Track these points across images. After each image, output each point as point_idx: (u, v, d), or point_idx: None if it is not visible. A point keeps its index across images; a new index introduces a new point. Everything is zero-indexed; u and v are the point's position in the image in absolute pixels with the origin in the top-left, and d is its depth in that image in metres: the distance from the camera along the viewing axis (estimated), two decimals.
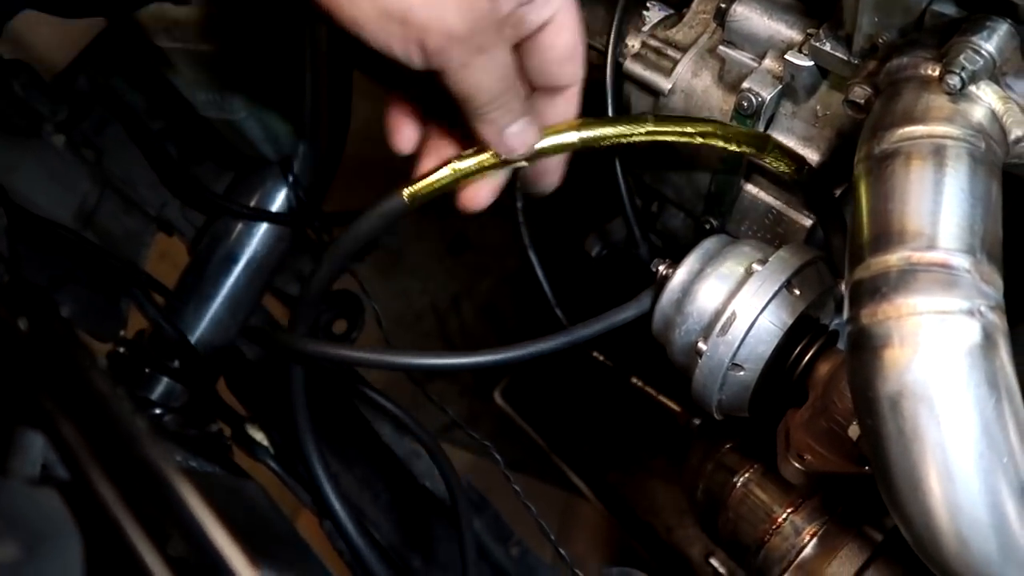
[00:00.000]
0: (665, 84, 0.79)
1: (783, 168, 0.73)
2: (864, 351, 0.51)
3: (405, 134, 0.64)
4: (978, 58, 0.53)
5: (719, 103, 0.77)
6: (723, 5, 0.75)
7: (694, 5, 0.81)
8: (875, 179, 0.54)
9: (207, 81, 0.89)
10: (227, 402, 1.04)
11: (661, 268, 0.73)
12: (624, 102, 0.83)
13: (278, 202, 1.05)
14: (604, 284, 0.96)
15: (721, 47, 0.76)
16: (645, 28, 0.82)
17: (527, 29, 0.58)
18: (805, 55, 0.69)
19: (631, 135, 0.67)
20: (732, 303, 0.67)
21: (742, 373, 0.68)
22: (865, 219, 0.54)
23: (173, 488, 0.30)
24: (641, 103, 0.82)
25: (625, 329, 0.75)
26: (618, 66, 0.82)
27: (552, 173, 0.68)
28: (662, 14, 0.83)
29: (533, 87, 0.63)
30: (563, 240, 1.04)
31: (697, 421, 0.93)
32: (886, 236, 0.52)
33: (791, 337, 0.68)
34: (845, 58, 0.66)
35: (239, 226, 1.03)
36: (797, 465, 0.69)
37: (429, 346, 1.82)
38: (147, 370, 1.01)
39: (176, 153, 1.07)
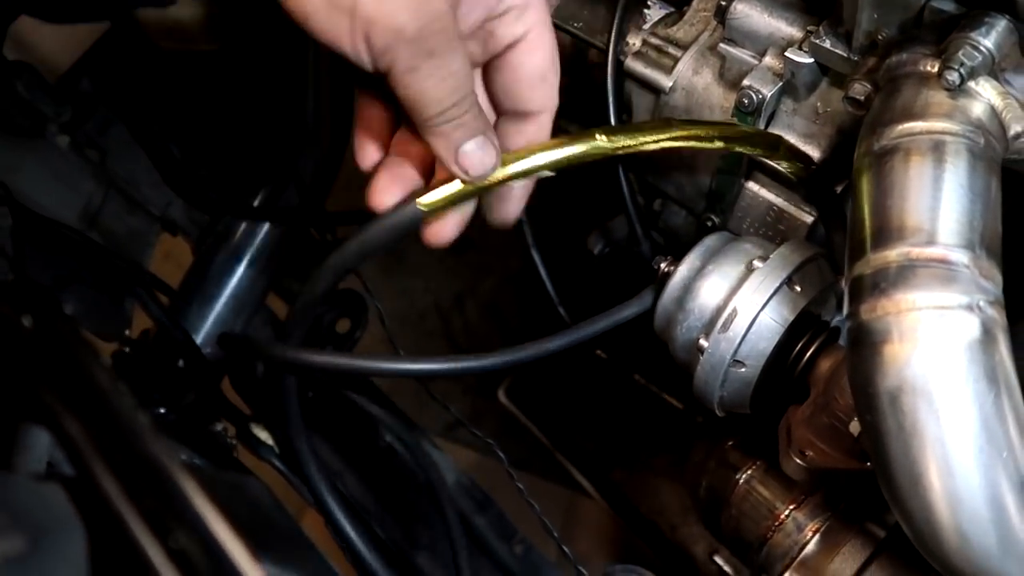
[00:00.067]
0: (666, 82, 0.79)
1: (791, 169, 0.73)
2: (863, 347, 0.51)
3: (368, 151, 0.59)
4: (976, 54, 0.53)
5: (720, 100, 0.77)
6: (723, 3, 0.75)
7: (695, 3, 0.81)
8: (874, 175, 0.54)
9: None
10: (231, 401, 1.04)
11: (663, 265, 0.74)
12: (625, 100, 0.84)
13: (281, 201, 1.05)
14: (606, 282, 0.96)
15: (722, 45, 0.76)
16: (646, 26, 0.82)
17: (496, 46, 0.55)
18: (805, 52, 0.70)
19: (611, 150, 0.61)
20: (733, 300, 0.67)
21: (744, 370, 0.68)
22: (864, 215, 0.54)
23: (175, 482, 0.31)
24: (642, 101, 0.83)
25: (627, 327, 0.76)
26: (619, 64, 0.82)
27: (511, 202, 0.61)
28: (663, 12, 0.83)
29: (500, 111, 0.59)
30: (565, 238, 1.04)
31: (700, 419, 0.93)
32: (885, 232, 0.52)
33: (792, 333, 0.68)
34: (845, 55, 0.66)
35: (242, 226, 1.03)
36: (799, 461, 0.69)
37: (433, 345, 1.82)
38: (152, 370, 1.02)
39: (180, 154, 1.07)
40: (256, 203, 1.05)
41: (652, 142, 0.63)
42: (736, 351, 0.67)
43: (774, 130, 0.75)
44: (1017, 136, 0.55)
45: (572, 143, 0.59)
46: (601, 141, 0.60)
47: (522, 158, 0.57)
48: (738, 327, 0.66)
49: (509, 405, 1.59)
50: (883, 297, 0.50)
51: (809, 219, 0.78)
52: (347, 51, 0.49)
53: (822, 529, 0.76)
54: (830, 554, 0.75)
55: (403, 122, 0.58)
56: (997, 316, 0.49)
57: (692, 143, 0.66)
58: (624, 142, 0.62)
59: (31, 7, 0.68)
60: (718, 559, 0.91)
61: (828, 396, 0.68)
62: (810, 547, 0.76)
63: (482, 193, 0.58)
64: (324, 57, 0.93)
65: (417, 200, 0.57)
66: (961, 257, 0.50)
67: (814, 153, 0.74)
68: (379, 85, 0.53)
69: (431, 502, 1.05)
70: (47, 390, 0.37)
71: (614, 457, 1.51)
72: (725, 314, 0.67)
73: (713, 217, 0.83)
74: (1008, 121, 0.55)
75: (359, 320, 1.11)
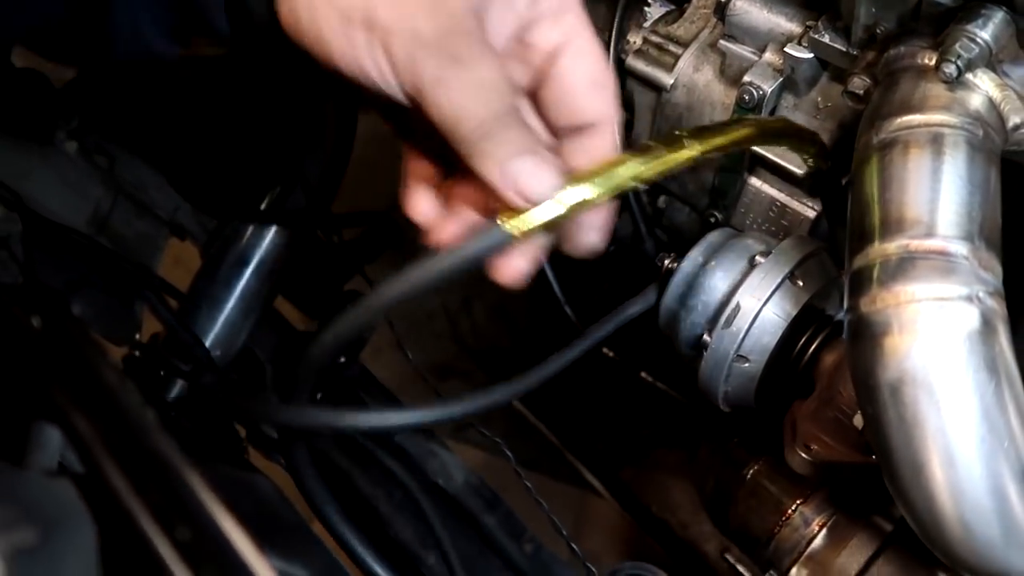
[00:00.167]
0: (667, 79, 0.80)
1: (816, 162, 0.72)
2: (864, 339, 0.51)
3: (419, 200, 0.52)
4: (974, 46, 0.53)
5: (721, 97, 0.77)
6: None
7: (694, 0, 0.82)
8: (873, 168, 0.55)
9: None
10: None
11: (666, 262, 0.74)
12: (627, 99, 0.84)
13: (288, 204, 1.06)
14: (611, 279, 0.96)
15: (722, 41, 0.76)
16: (646, 24, 0.83)
17: (536, 58, 0.50)
18: (804, 47, 0.70)
19: (701, 154, 0.53)
20: (736, 295, 0.67)
21: (747, 365, 0.68)
22: (864, 208, 0.54)
23: (181, 477, 0.31)
24: (644, 99, 0.83)
25: (634, 324, 0.76)
26: (620, 63, 0.82)
27: (590, 230, 0.51)
28: (663, 10, 0.83)
29: (558, 131, 0.51)
30: None
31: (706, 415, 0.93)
32: (885, 224, 0.52)
33: (796, 328, 0.68)
34: (844, 49, 0.66)
35: (249, 229, 1.04)
36: (804, 456, 0.70)
37: (441, 347, 1.82)
38: (162, 373, 1.03)
39: (187, 157, 1.08)
40: (263, 206, 1.06)
41: (731, 143, 0.57)
42: (739, 346, 0.67)
43: None
44: (1016, 127, 0.56)
45: (662, 151, 0.50)
46: (691, 148, 0.52)
47: (605, 171, 0.48)
48: (741, 322, 0.67)
49: (518, 405, 1.59)
50: (883, 289, 0.51)
51: (812, 214, 0.78)
52: (372, 75, 0.45)
53: (829, 523, 0.76)
54: (837, 548, 0.75)
55: (457, 171, 0.52)
56: (997, 307, 0.50)
57: (756, 142, 0.62)
58: (714, 143, 0.54)
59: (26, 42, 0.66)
60: (729, 557, 0.91)
61: (832, 390, 0.68)
62: (817, 541, 0.77)
63: (572, 215, 0.48)
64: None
65: (503, 222, 0.47)
66: (960, 248, 0.50)
67: None
68: (421, 131, 0.50)
69: (443, 502, 1.06)
70: (58, 389, 0.38)
71: (623, 455, 1.51)
72: (728, 310, 0.67)
73: (716, 214, 0.84)
74: (1007, 113, 0.55)
75: None
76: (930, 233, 0.51)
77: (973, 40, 0.53)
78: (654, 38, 0.81)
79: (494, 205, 0.47)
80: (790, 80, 0.73)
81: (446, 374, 1.74)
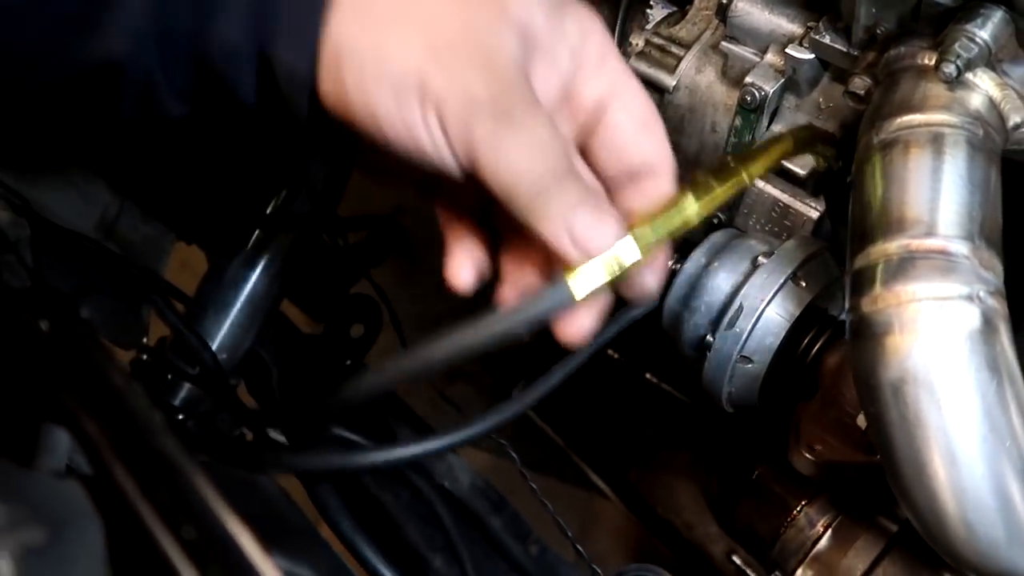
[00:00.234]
0: (670, 81, 0.80)
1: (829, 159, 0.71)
2: (865, 339, 0.52)
3: (463, 267, 0.51)
4: (973, 46, 0.53)
5: (723, 98, 0.78)
6: (725, 1, 0.75)
7: (696, 2, 0.82)
8: (874, 168, 0.55)
9: None
10: (248, 406, 1.05)
11: (669, 263, 0.74)
12: None
13: (293, 208, 1.07)
14: None
15: (724, 43, 0.77)
16: (649, 26, 0.83)
17: (583, 109, 0.49)
18: (806, 48, 0.70)
19: (752, 178, 0.52)
20: (739, 296, 0.68)
21: (750, 365, 0.69)
22: (865, 208, 0.54)
23: (187, 478, 0.32)
24: None
25: (638, 325, 0.76)
26: None
27: (649, 274, 0.49)
28: (665, 12, 0.84)
29: (612, 181, 0.50)
30: None
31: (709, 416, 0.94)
32: (885, 224, 0.52)
33: (799, 328, 0.69)
34: (845, 50, 0.67)
35: (255, 233, 1.05)
36: (809, 457, 0.70)
37: None
38: (169, 376, 1.03)
39: (170, 188, 1.08)
40: (268, 210, 1.06)
41: (775, 161, 0.56)
42: (742, 347, 0.67)
43: (777, 127, 0.75)
44: (1016, 127, 0.56)
45: (713, 183, 0.49)
46: (742, 174, 0.51)
47: (664, 214, 0.47)
48: (744, 323, 0.67)
49: None
50: (884, 289, 0.51)
51: (815, 214, 0.79)
52: (426, 147, 0.44)
53: (834, 524, 0.76)
54: (843, 549, 0.75)
55: (508, 232, 0.51)
56: (998, 306, 0.50)
57: (793, 154, 0.62)
58: (762, 164, 0.54)
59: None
60: (736, 559, 0.91)
61: (836, 391, 0.68)
62: (823, 542, 0.77)
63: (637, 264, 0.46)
64: None
65: (570, 281, 0.45)
66: (961, 248, 0.50)
67: None
68: (462, 197, 0.49)
69: (449, 504, 1.06)
70: (67, 392, 0.39)
71: (630, 457, 1.51)
72: (731, 310, 0.67)
73: (719, 214, 0.84)
74: (1007, 112, 0.55)
75: (373, 325, 1.13)
76: (931, 233, 0.51)
77: (972, 40, 0.53)
78: (656, 40, 0.82)
79: (555, 264, 0.46)
80: (792, 81, 0.73)
81: (452, 376, 1.74)
